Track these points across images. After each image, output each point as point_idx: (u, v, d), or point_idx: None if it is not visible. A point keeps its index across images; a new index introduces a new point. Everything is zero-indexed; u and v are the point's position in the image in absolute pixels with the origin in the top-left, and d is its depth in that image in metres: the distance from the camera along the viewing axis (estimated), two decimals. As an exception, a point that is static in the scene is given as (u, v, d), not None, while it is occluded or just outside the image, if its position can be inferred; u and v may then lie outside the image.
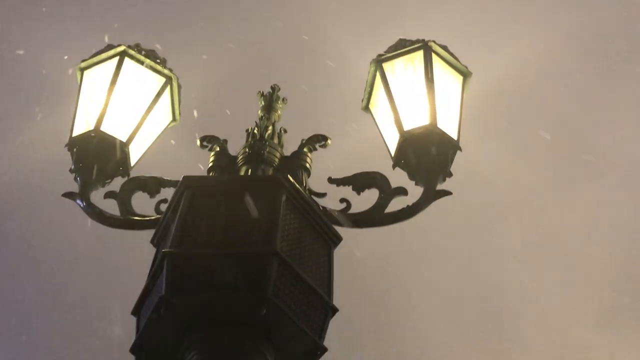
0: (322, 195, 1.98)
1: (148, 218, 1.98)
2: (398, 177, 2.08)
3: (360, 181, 1.99)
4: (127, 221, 1.98)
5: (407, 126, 2.02)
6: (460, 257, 5.88)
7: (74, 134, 2.14)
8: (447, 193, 1.95)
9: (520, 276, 6.02)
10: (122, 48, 2.26)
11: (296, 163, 2.02)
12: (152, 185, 2.06)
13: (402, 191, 1.95)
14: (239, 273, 1.51)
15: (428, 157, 1.97)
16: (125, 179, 2.12)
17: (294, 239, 1.65)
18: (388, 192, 1.94)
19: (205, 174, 2.03)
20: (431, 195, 1.95)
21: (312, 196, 1.94)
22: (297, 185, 1.77)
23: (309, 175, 2.04)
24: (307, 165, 2.04)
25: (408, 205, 1.93)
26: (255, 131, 2.11)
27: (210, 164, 2.05)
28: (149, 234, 1.93)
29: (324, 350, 1.60)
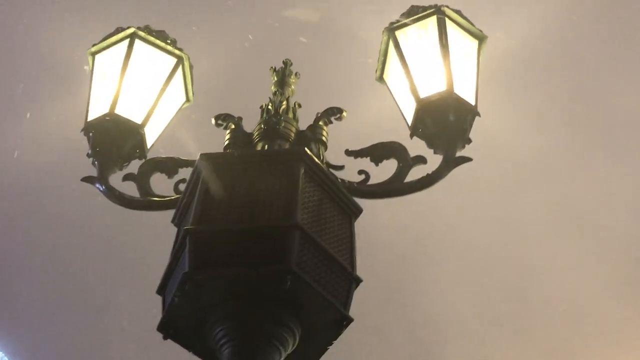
0: (340, 167, 1.96)
1: (168, 198, 1.99)
2: (415, 147, 2.06)
3: (378, 152, 1.97)
4: (147, 202, 1.99)
5: (423, 94, 1.99)
6: (480, 226, 5.84)
7: (89, 118, 2.14)
8: (466, 159, 1.93)
9: (542, 245, 5.98)
10: (131, 30, 2.24)
11: (312, 137, 2.00)
12: (169, 165, 2.06)
13: (421, 160, 1.93)
14: (261, 247, 1.51)
15: (446, 124, 1.94)
16: (142, 161, 2.13)
17: (315, 211, 1.64)
18: (407, 161, 1.92)
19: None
20: (451, 162, 1.92)
21: (330, 169, 1.93)
22: (315, 158, 1.76)
23: (325, 148, 2.02)
24: (324, 138, 2.02)
25: (428, 174, 1.91)
26: (270, 107, 2.09)
27: (227, 142, 2.04)
28: (167, 215, 1.95)
29: (350, 320, 1.60)
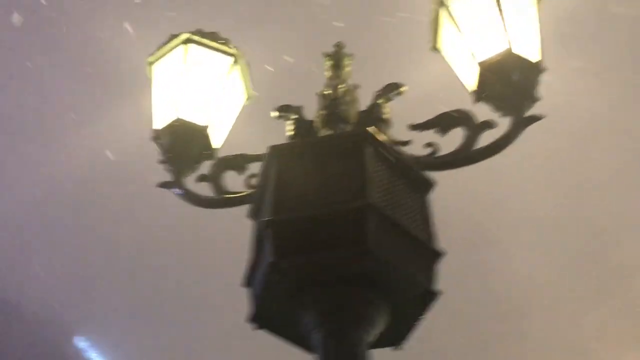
0: (406, 143, 1.94)
1: (241, 194, 2.04)
2: (478, 113, 2.01)
3: (443, 122, 1.93)
4: (222, 200, 2.05)
5: (484, 56, 1.93)
6: (552, 189, 5.65)
7: (157, 126, 2.22)
8: (537, 118, 1.86)
9: (616, 206, 5.73)
10: (185, 36, 2.30)
11: (374, 116, 1.99)
12: (239, 162, 2.11)
13: (489, 125, 1.88)
14: (337, 230, 1.52)
15: (511, 83, 1.88)
16: (212, 161, 2.19)
17: (387, 189, 1.63)
18: (475, 127, 1.87)
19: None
20: (521, 122, 1.86)
21: (397, 145, 1.91)
22: (380, 137, 1.75)
23: (389, 125, 2.00)
24: (386, 116, 2.01)
25: (498, 138, 1.86)
26: (328, 92, 2.10)
27: (290, 132, 2.07)
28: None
29: (436, 294, 1.59)
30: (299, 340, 1.68)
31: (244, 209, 1.99)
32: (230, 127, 2.37)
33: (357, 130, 1.87)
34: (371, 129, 1.73)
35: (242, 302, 1.76)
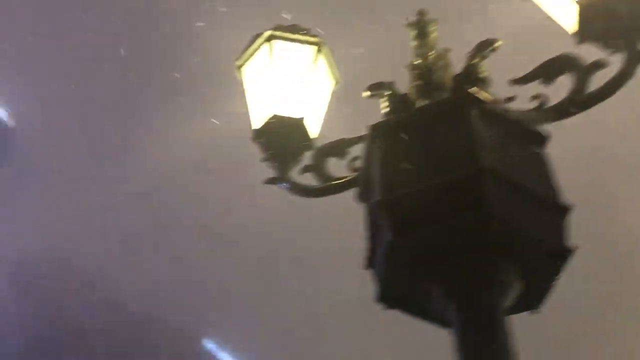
0: (511, 99, 1.85)
1: (346, 179, 2.04)
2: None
3: (549, 70, 1.82)
4: (329, 187, 2.06)
5: (582, -7, 1.79)
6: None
7: (255, 126, 2.27)
8: (653, 49, 1.70)
9: None
10: (268, 33, 2.33)
11: (472, 77, 1.90)
12: (339, 148, 2.11)
13: (600, 64, 1.74)
14: (456, 198, 1.48)
15: (618, 16, 1.73)
16: (312, 151, 2.20)
17: (500, 150, 1.56)
18: (584, 70, 1.75)
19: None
20: (635, 57, 1.71)
21: (502, 103, 1.82)
22: (483, 97, 1.68)
23: (489, 84, 1.91)
24: (483, 75, 1.92)
25: (612, 78, 1.72)
26: (418, 62, 2.04)
27: (386, 109, 2.03)
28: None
29: (569, 250, 1.50)
30: (431, 316, 1.65)
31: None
32: (323, 115, 2.38)
33: (457, 95, 1.80)
34: (473, 90, 1.66)
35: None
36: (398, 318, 1.74)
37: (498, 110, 1.64)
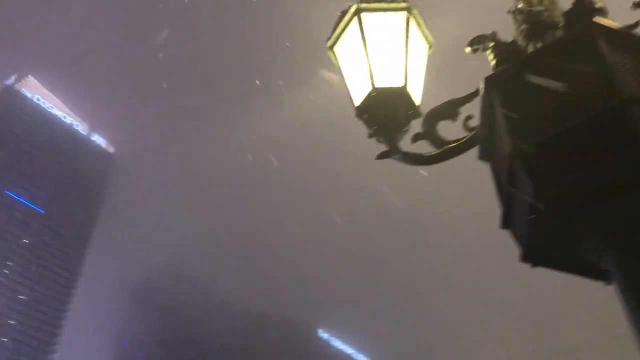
0: (636, 25, 1.68)
1: (463, 140, 1.95)
2: None
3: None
4: (446, 152, 1.98)
5: None
6: None
7: (357, 103, 2.23)
8: None
9: None
10: (354, 7, 2.28)
11: (586, 10, 1.75)
12: (449, 109, 2.03)
13: None
14: (600, 136, 1.36)
15: None
16: (420, 117, 2.13)
17: (639, 76, 1.42)
18: None
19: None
20: None
21: (628, 30, 1.66)
22: (608, 25, 1.53)
23: (606, 13, 1.75)
24: (599, 4, 1.76)
25: None
26: (521, 5, 1.91)
27: (494, 60, 1.92)
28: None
29: None
30: (582, 268, 1.55)
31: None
32: (422, 81, 2.29)
33: (581, 29, 1.66)
34: (596, 20, 1.53)
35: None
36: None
37: (629, 37, 1.50)
